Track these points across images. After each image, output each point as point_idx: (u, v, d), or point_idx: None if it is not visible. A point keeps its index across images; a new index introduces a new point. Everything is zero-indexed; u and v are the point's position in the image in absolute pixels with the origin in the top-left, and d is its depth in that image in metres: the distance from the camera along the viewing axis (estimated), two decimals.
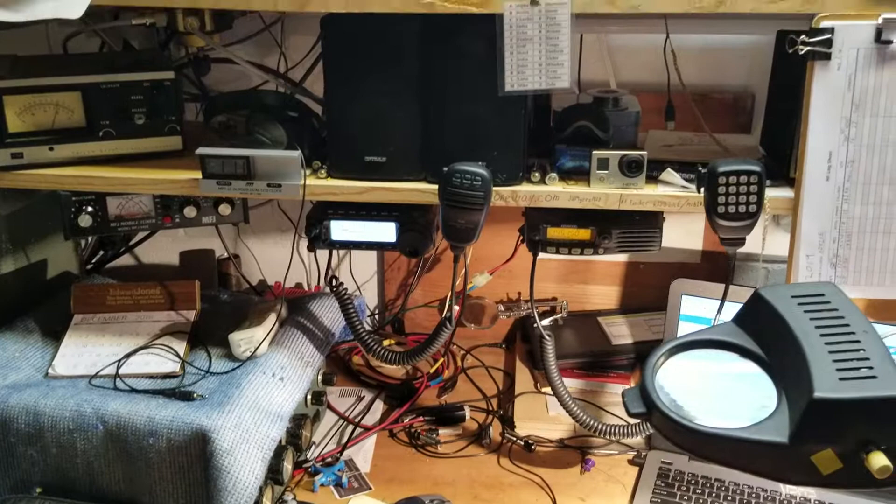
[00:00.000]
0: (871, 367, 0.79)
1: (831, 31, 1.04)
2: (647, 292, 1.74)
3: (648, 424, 1.19)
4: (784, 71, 1.24)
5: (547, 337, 1.32)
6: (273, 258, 1.86)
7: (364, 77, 1.18)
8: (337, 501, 1.33)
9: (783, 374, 0.85)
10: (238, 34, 1.58)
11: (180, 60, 1.50)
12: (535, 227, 1.25)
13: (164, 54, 1.52)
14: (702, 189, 1.10)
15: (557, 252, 1.26)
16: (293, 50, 1.65)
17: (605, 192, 1.18)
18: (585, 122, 1.24)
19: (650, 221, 1.24)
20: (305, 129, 1.29)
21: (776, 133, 1.29)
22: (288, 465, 1.28)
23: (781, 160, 1.21)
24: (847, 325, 0.85)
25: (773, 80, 1.30)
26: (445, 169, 1.15)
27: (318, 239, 1.29)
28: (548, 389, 1.46)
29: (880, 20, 1.03)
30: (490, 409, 1.57)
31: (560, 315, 1.71)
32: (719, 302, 1.20)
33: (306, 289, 1.83)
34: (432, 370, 1.66)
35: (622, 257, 1.74)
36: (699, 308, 1.43)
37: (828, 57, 1.05)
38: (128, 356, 1.31)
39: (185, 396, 1.23)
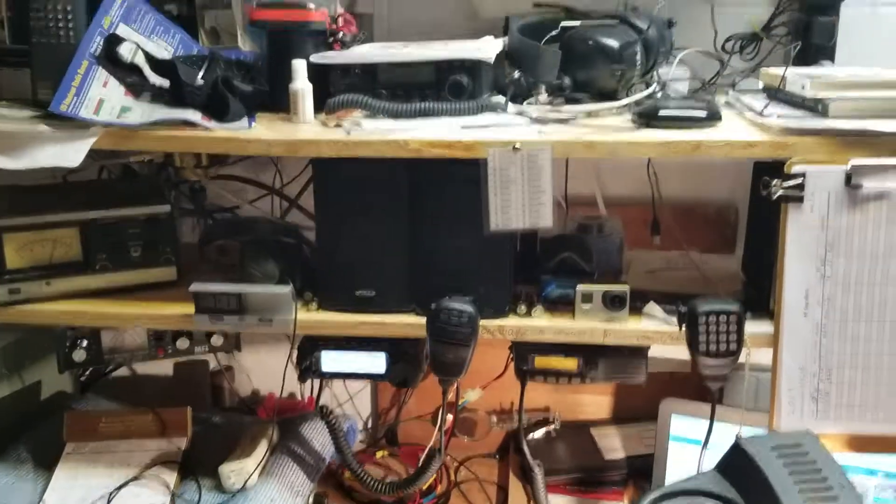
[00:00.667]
0: None
1: (803, 175, 1.08)
2: (640, 401, 1.75)
3: None
4: (761, 203, 1.28)
5: (536, 468, 1.32)
6: (267, 367, 1.87)
7: (354, 215, 1.22)
8: None
9: None
10: None
11: (178, 181, 1.53)
12: (524, 356, 1.27)
13: (163, 178, 1.56)
14: (683, 326, 1.13)
15: (545, 381, 1.27)
16: (288, 166, 1.70)
17: (589, 326, 1.20)
18: (570, 253, 1.27)
19: (636, 352, 1.26)
20: (298, 260, 1.32)
21: (756, 260, 1.32)
22: None
23: (761, 289, 1.23)
24: (825, 480, 0.86)
25: (751, 208, 1.34)
26: (433, 306, 1.17)
27: (309, 370, 1.31)
28: None
29: (849, 166, 1.07)
30: None
31: (553, 427, 1.71)
32: (708, 423, 1.20)
33: (299, 398, 1.83)
34: (425, 486, 1.65)
35: None
36: (689, 429, 1.44)
37: (801, 200, 1.09)
38: (119, 488, 1.30)
39: None
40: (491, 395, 1.71)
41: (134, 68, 1.29)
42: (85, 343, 1.32)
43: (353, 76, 1.27)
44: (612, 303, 1.19)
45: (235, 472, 1.30)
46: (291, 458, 1.41)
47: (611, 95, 1.30)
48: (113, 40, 1.27)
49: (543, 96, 1.31)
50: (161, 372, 1.88)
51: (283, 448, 1.43)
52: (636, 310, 1.22)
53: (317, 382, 1.52)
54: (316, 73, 1.26)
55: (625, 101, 1.27)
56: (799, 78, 1.17)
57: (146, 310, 1.28)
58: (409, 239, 1.22)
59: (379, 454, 1.76)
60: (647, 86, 1.32)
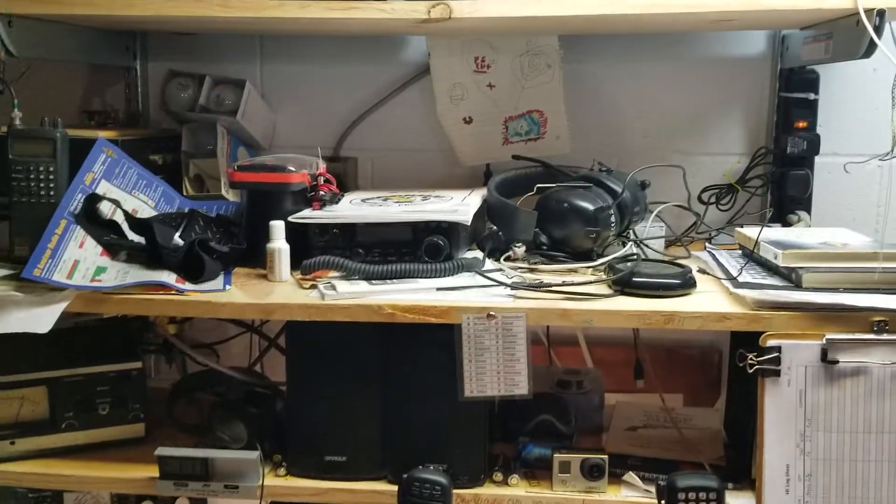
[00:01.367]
0: None
1: (778, 349, 1.07)
2: None
3: None
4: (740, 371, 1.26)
5: None
6: None
7: (326, 377, 1.20)
8: None
9: None
10: None
11: (152, 337, 1.52)
12: None
13: (136, 329, 1.53)
14: (662, 501, 1.09)
15: None
16: None
17: (567, 496, 1.16)
18: (548, 416, 1.25)
19: None
20: (269, 419, 1.29)
21: (737, 420, 1.29)
22: None
23: (743, 453, 1.21)
24: None
25: (731, 366, 1.32)
26: (405, 476, 1.14)
27: None
28: None
29: (824, 340, 1.06)
30: None
31: None
32: None
33: None
34: None
35: None
36: None
37: (777, 374, 1.07)
38: None
39: None
40: None
41: (113, 225, 1.30)
42: None
43: (331, 235, 1.28)
44: (591, 472, 1.16)
45: None
46: None
47: (587, 254, 1.31)
48: (93, 199, 1.28)
49: (521, 251, 1.32)
50: None
51: None
52: (615, 476, 1.19)
53: None
54: (294, 230, 1.27)
55: (599, 261, 1.28)
56: (771, 247, 1.18)
57: (110, 472, 1.24)
58: (382, 402, 1.20)
59: None
60: (623, 245, 1.33)
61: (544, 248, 1.33)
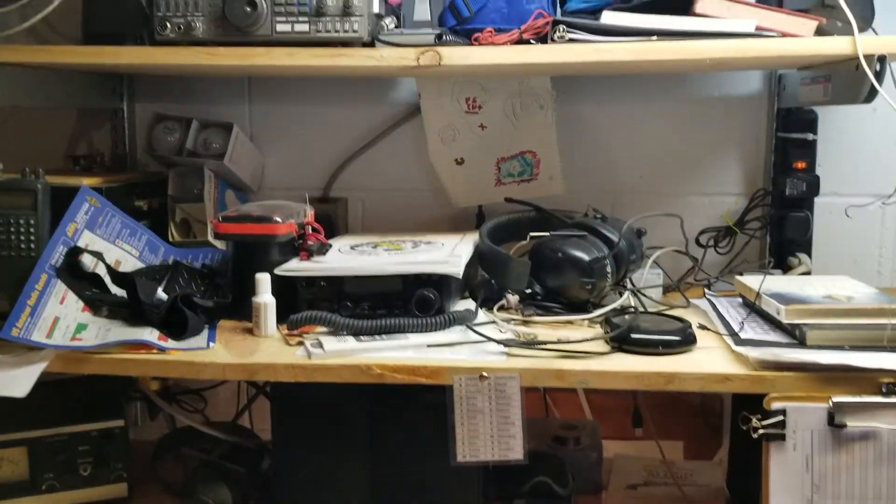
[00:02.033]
0: None
1: (783, 412, 1.03)
2: None
3: None
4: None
5: None
6: None
7: (312, 438, 1.17)
8: None
9: None
10: None
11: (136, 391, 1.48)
12: None
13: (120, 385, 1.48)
14: None
15: None
16: None
17: None
18: (544, 477, 1.20)
19: None
20: (255, 479, 1.25)
21: (741, 478, 1.25)
22: None
23: None
24: None
25: (733, 430, 1.28)
26: None
27: None
28: None
29: (831, 403, 1.02)
30: None
31: None
32: None
33: None
34: None
35: None
36: None
37: (783, 438, 1.03)
38: None
39: None
40: None
41: (95, 278, 1.26)
42: None
43: (319, 287, 1.24)
44: None
45: None
46: None
47: (582, 305, 1.27)
48: (75, 252, 1.24)
49: (514, 300, 1.28)
50: None
51: None
52: None
53: None
54: (281, 282, 1.23)
55: (596, 313, 1.24)
56: (773, 301, 1.14)
57: None
58: (371, 464, 1.16)
59: None
60: (620, 294, 1.30)
61: (538, 297, 1.29)
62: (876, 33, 1.32)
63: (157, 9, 1.27)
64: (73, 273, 1.24)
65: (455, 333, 1.19)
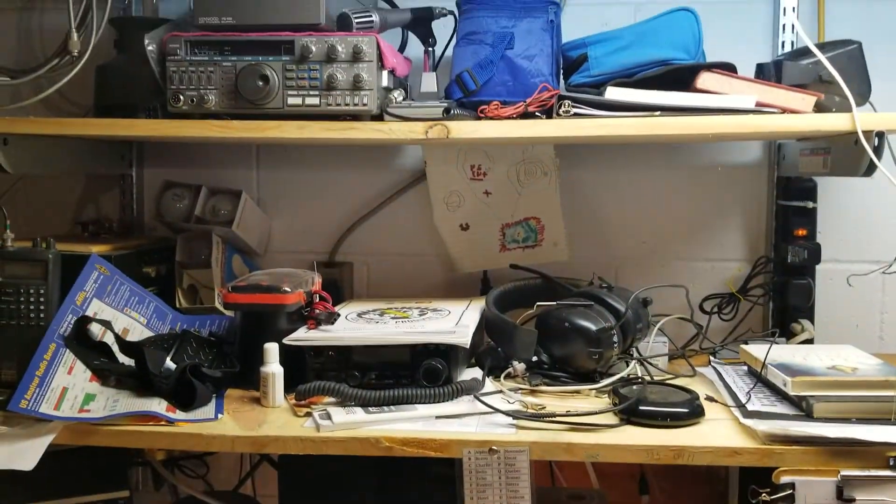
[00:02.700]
0: None
1: (792, 486, 1.03)
2: None
3: None
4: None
5: None
6: None
7: None
8: None
9: None
10: None
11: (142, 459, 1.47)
12: None
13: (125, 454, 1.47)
14: None
15: None
16: None
17: None
18: None
19: None
20: None
21: None
22: None
23: None
24: None
25: (740, 499, 1.28)
26: None
27: None
28: None
29: (839, 477, 1.02)
30: None
31: None
32: None
33: None
34: None
35: None
36: None
37: None
38: None
39: None
40: None
41: (103, 347, 1.26)
42: None
43: (327, 357, 1.24)
44: None
45: None
46: None
47: (589, 374, 1.28)
48: (83, 321, 1.25)
49: (521, 368, 1.29)
50: None
51: None
52: None
53: None
54: (289, 351, 1.23)
55: (603, 383, 1.24)
56: (780, 372, 1.15)
57: None
58: None
59: None
60: (626, 364, 1.30)
61: (545, 366, 1.30)
62: (874, 107, 1.35)
63: (170, 82, 1.30)
64: (82, 342, 1.25)
65: (463, 404, 1.19)
